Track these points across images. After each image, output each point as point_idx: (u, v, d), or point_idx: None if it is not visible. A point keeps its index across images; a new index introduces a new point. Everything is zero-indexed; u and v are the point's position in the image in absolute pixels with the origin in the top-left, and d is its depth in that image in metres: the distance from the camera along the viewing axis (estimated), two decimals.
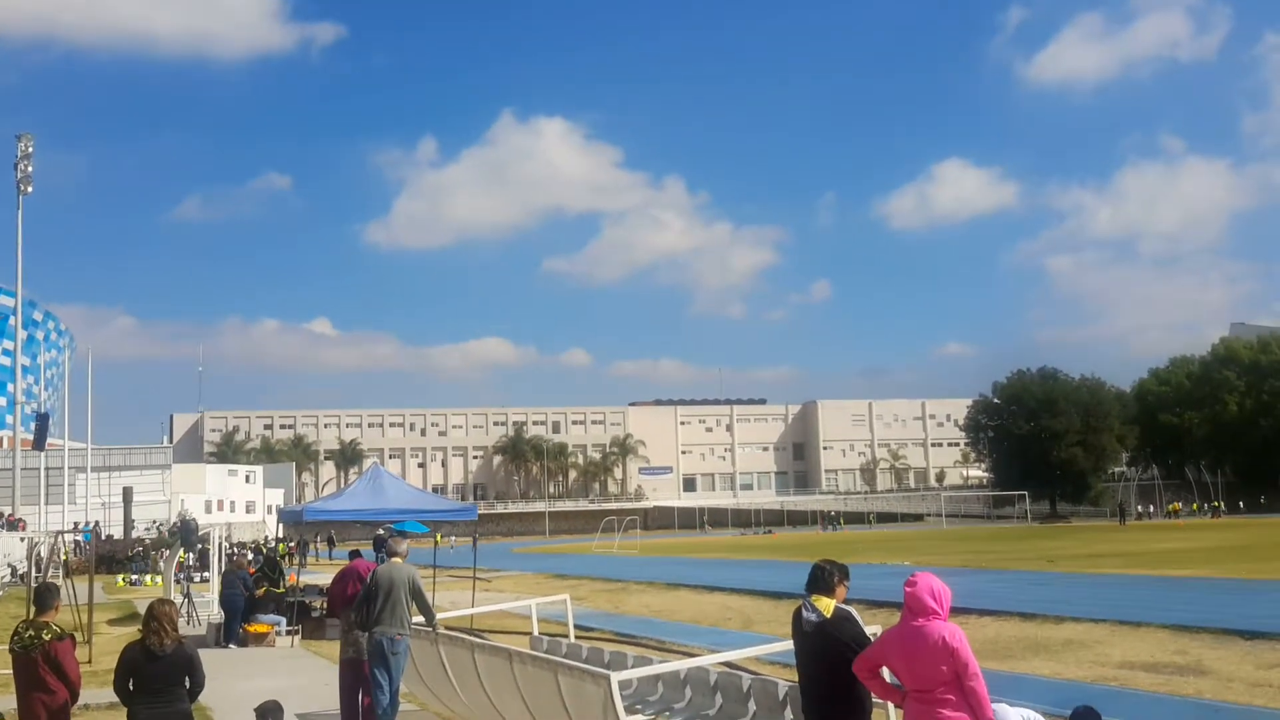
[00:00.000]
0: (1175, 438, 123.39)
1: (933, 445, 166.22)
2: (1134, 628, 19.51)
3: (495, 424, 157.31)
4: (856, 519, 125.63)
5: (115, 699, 8.67)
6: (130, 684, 8.51)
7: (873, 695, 7.35)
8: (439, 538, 57.78)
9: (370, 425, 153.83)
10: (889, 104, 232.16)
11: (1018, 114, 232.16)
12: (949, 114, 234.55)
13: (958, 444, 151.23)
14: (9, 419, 78.57)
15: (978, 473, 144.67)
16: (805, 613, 7.40)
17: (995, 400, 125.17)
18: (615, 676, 8.80)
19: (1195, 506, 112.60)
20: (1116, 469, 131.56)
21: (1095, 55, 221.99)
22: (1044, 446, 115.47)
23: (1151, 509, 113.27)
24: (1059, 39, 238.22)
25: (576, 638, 16.30)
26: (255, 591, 23.64)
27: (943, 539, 72.88)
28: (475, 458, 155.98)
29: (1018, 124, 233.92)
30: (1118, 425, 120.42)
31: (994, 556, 45.89)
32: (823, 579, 7.51)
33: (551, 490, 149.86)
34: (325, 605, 22.13)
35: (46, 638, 8.99)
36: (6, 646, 10.16)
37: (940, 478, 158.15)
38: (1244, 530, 66.95)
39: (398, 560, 12.80)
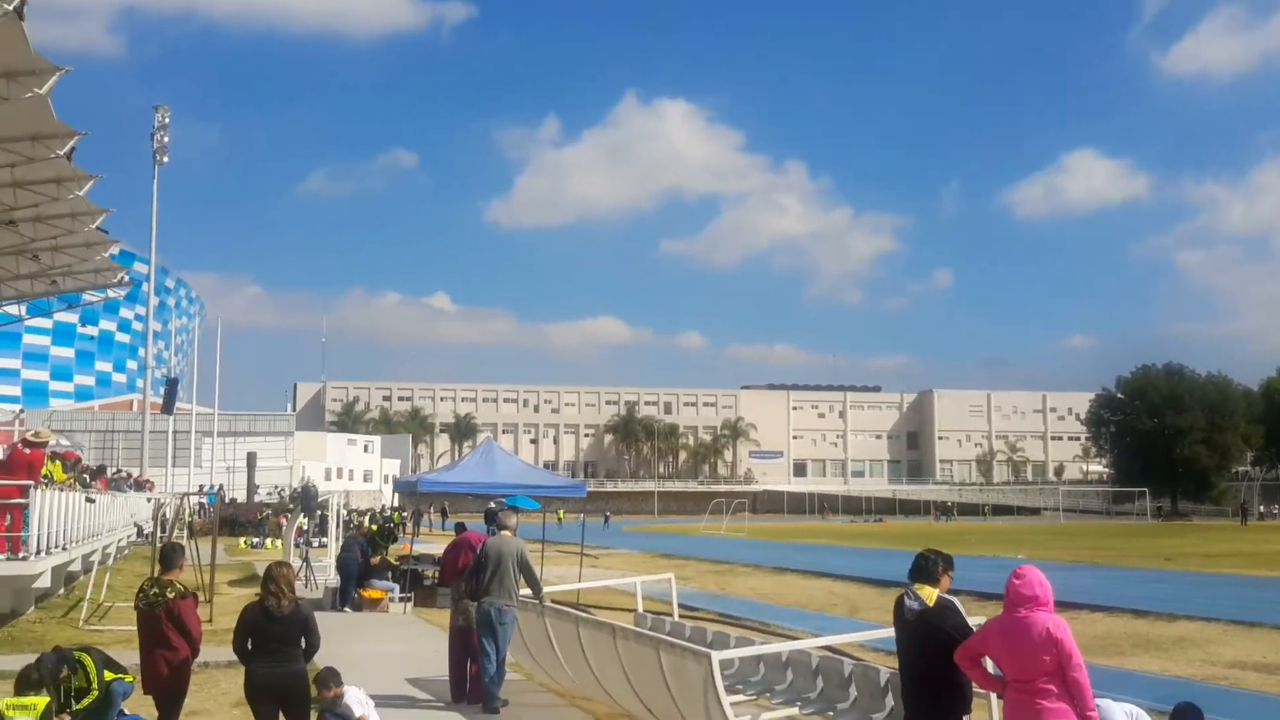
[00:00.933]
0: None
1: (1052, 439, 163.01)
2: (1248, 628, 19.10)
3: (608, 403, 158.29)
4: (971, 510, 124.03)
5: (234, 657, 9.02)
6: (249, 643, 8.87)
7: (974, 685, 7.36)
8: (561, 514, 59.19)
9: (485, 400, 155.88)
10: (1020, 92, 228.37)
11: (1152, 105, 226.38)
12: (1082, 103, 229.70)
13: (1078, 438, 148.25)
14: (140, 383, 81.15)
15: (1098, 468, 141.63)
16: (907, 600, 7.43)
17: (1118, 395, 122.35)
18: (716, 656, 8.90)
19: None
20: (1240, 468, 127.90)
21: (1235, 47, 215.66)
22: (1167, 443, 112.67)
23: (1276, 509, 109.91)
24: (1197, 30, 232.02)
25: (680, 616, 16.40)
26: (372, 558, 24.19)
27: (1058, 534, 71.58)
28: (587, 435, 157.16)
29: (1152, 115, 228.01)
30: (1244, 424, 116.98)
31: (1110, 553, 44.99)
32: (926, 568, 7.53)
33: (661, 470, 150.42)
34: (437, 574, 22.60)
35: (171, 595, 9.37)
36: (132, 603, 10.62)
37: (1059, 472, 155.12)
38: None
39: (507, 534, 13.06)
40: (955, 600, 7.61)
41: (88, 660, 10.79)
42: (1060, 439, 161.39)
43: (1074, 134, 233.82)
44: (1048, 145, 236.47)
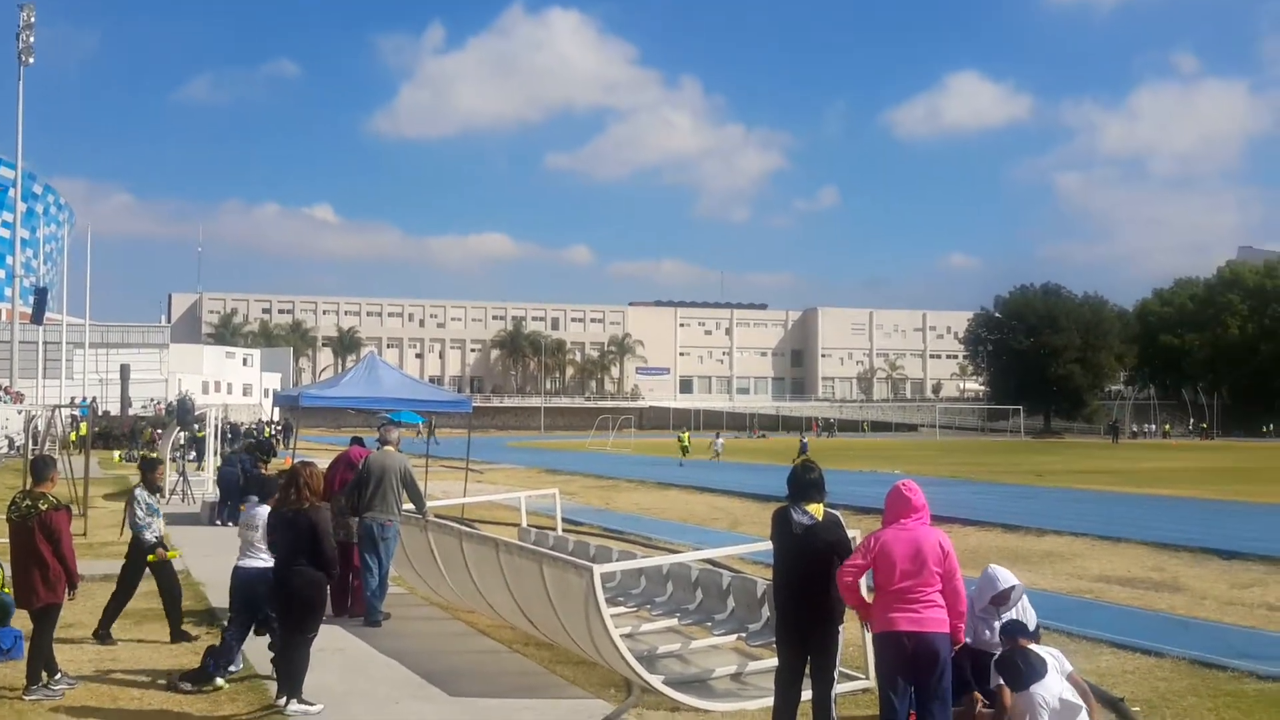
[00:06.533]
0: (1174, 359, 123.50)
1: (931, 357, 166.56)
2: (1114, 543, 19.76)
3: (494, 318, 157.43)
4: (851, 426, 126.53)
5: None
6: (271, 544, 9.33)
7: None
8: (684, 437, 54.54)
9: (369, 314, 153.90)
10: (907, 12, 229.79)
11: (1035, 27, 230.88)
12: (965, 25, 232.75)
13: (956, 356, 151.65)
14: (8, 292, 78.68)
15: (974, 386, 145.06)
16: (795, 515, 7.55)
17: (996, 314, 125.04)
18: (598, 569, 8.99)
19: (1188, 427, 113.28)
20: (1113, 387, 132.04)
21: None
22: (1042, 362, 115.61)
23: (1146, 428, 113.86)
24: None
25: (564, 531, 16.54)
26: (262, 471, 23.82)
27: (935, 450, 73.39)
28: (473, 351, 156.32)
29: (1035, 38, 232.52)
30: (1117, 344, 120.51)
31: (983, 469, 46.27)
32: (816, 483, 7.67)
33: (548, 386, 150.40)
34: None
35: (44, 507, 9.18)
36: (4, 516, 10.37)
37: (937, 389, 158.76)
38: (1236, 453, 67.48)
39: (389, 448, 12.99)
40: (838, 514, 7.79)
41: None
42: (938, 357, 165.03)
43: (958, 55, 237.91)
44: (931, 66, 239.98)
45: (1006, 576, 8.46)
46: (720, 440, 53.89)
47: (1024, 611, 8.56)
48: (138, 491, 11.92)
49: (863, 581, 7.38)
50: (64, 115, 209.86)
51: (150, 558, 11.62)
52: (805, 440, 51.51)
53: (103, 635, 11.37)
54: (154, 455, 11.12)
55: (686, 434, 58.68)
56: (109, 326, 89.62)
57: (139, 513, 11.64)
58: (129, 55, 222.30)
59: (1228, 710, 8.96)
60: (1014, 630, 8.03)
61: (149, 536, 11.61)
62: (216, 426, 32.62)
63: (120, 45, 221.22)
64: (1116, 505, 28.89)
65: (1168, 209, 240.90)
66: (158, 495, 12.20)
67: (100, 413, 60.89)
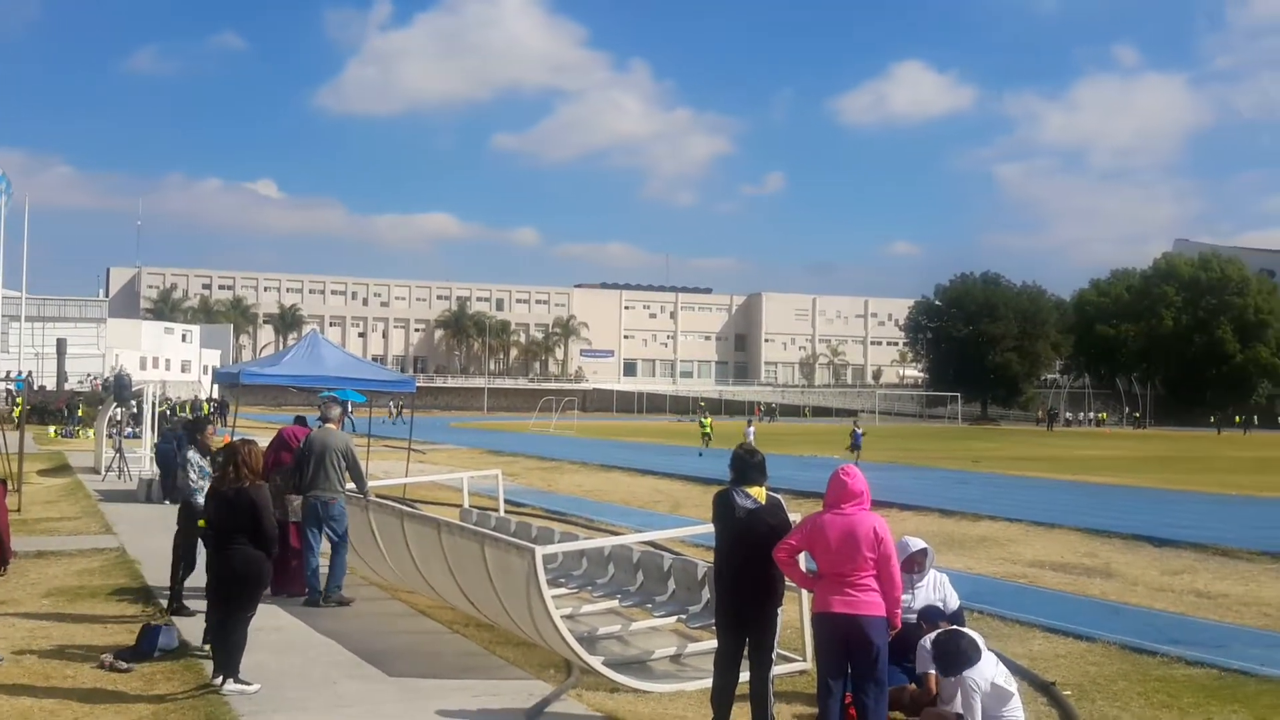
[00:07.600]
0: (1110, 349, 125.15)
1: (872, 343, 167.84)
2: (1048, 529, 20.05)
3: (439, 298, 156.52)
4: (792, 411, 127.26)
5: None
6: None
7: (785, 579, 7.61)
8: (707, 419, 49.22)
9: (311, 291, 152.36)
10: (853, 0, 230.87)
11: (979, 18, 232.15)
12: (910, 15, 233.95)
13: (896, 343, 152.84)
14: None
15: (914, 372, 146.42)
16: (738, 499, 7.58)
17: (936, 302, 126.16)
18: (539, 550, 9.01)
19: (1122, 416, 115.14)
20: (1049, 376, 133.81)
21: None
22: (980, 350, 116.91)
23: (1081, 416, 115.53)
24: None
25: (506, 512, 16.55)
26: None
27: (874, 435, 73.77)
28: (417, 330, 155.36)
29: (980, 29, 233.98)
30: (1054, 333, 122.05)
31: (921, 454, 46.77)
32: (758, 465, 7.72)
33: (492, 367, 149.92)
34: None
35: None
36: None
37: (877, 375, 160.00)
38: (1168, 442, 68.64)
39: (331, 426, 12.89)
40: (780, 498, 7.84)
41: None
42: (880, 344, 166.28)
43: (903, 45, 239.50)
44: (877, 55, 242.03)
45: (915, 541, 8.66)
46: (752, 429, 46.96)
47: (940, 588, 8.72)
48: (190, 454, 11.77)
49: (801, 558, 7.46)
50: (3, 85, 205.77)
51: (200, 523, 11.43)
52: (861, 431, 43.54)
53: (178, 608, 11.36)
54: (203, 415, 10.91)
55: (709, 419, 52.90)
56: (46, 300, 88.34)
57: (191, 476, 11.50)
58: (72, 24, 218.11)
59: (1157, 695, 9.13)
60: (932, 615, 8.15)
61: (201, 500, 11.38)
62: (154, 403, 32.23)
63: (63, 14, 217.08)
64: (1051, 491, 29.32)
65: (1106, 201, 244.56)
66: (209, 457, 11.89)
67: (36, 387, 59.96)
